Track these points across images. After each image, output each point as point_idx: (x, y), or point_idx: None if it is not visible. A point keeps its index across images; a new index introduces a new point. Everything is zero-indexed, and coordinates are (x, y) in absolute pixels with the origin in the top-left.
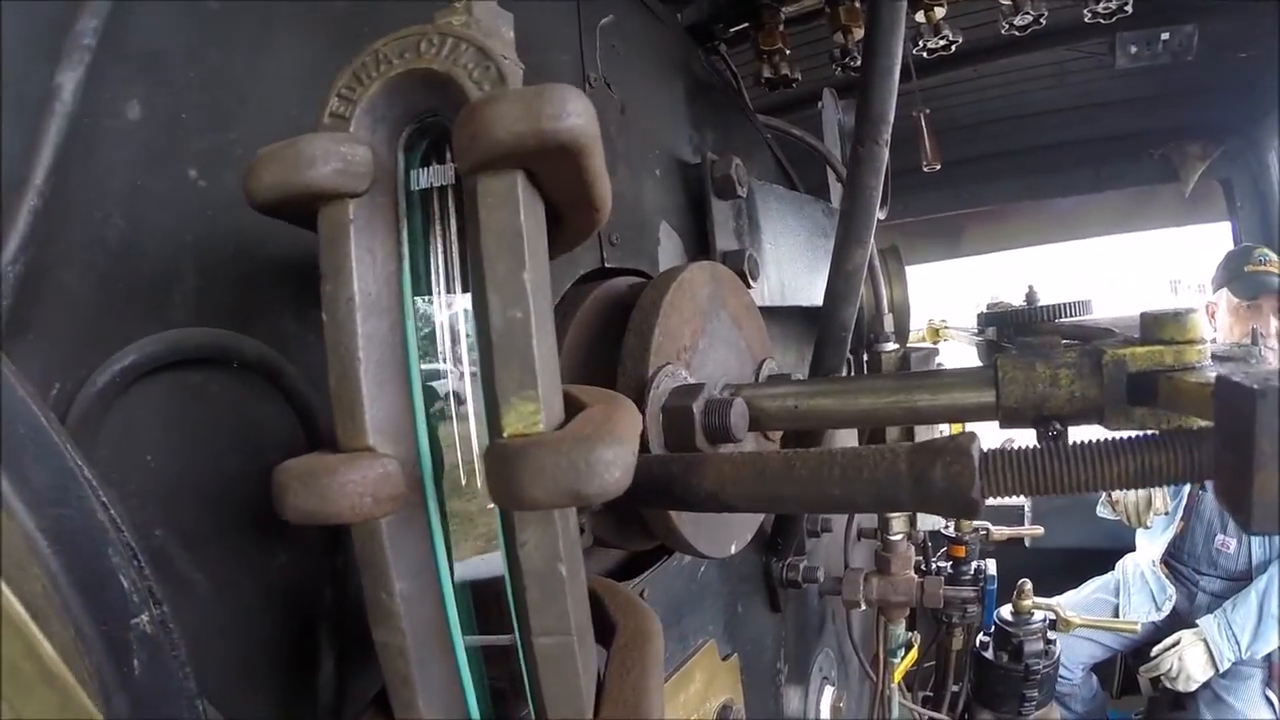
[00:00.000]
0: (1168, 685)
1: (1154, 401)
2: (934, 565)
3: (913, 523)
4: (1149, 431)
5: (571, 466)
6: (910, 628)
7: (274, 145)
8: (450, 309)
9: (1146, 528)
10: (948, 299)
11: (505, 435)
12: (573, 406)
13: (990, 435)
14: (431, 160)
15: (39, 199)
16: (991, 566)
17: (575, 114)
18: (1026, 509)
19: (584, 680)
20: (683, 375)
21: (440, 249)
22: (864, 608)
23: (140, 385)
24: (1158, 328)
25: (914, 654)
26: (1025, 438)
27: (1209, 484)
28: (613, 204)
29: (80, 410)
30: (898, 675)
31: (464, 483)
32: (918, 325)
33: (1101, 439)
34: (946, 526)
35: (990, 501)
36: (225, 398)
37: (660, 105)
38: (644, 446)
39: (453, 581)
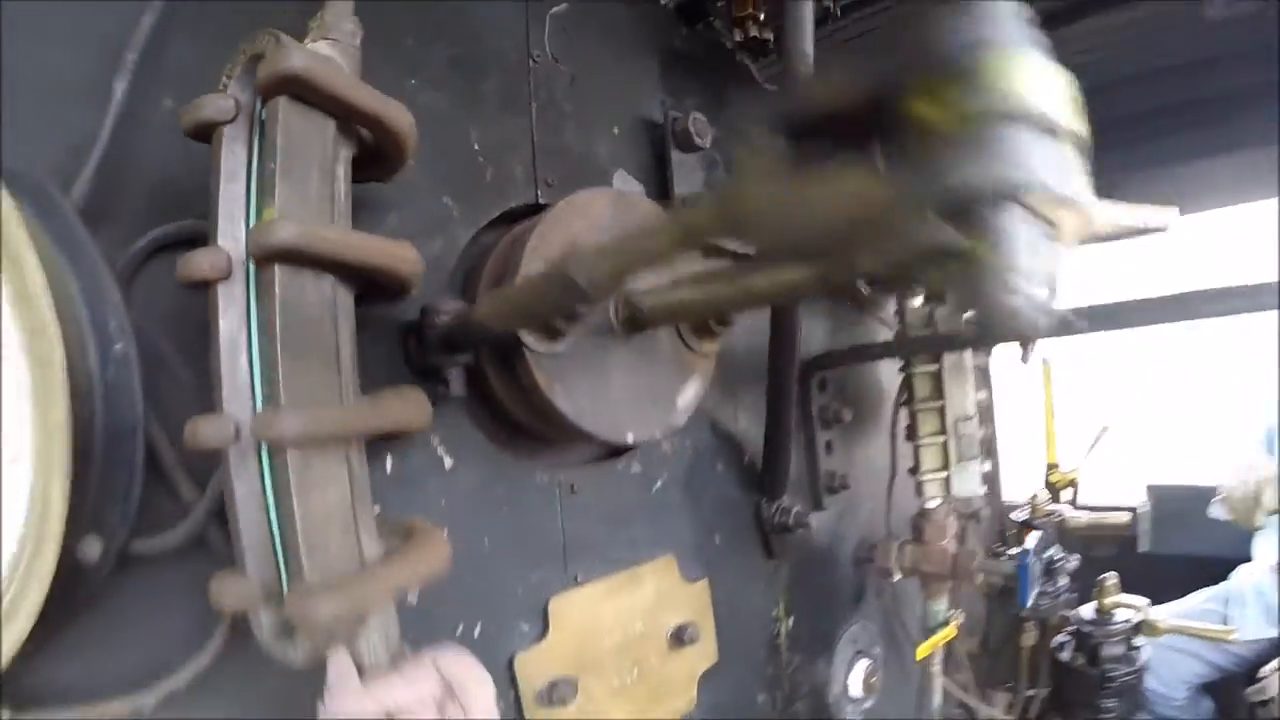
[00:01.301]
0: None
1: None
2: (1002, 550)
3: (947, 488)
4: None
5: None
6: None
7: (198, 98)
8: None
9: (1259, 529)
10: None
11: None
12: None
13: None
14: None
15: None
16: (1030, 541)
17: (298, 60)
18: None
19: None
20: None
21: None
22: (897, 577)
23: None
24: None
25: (950, 630)
26: None
27: None
28: (555, 155)
29: None
30: (923, 651)
31: None
32: None
33: None
34: (1021, 509)
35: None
36: None
37: (620, 74)
38: None
39: None
